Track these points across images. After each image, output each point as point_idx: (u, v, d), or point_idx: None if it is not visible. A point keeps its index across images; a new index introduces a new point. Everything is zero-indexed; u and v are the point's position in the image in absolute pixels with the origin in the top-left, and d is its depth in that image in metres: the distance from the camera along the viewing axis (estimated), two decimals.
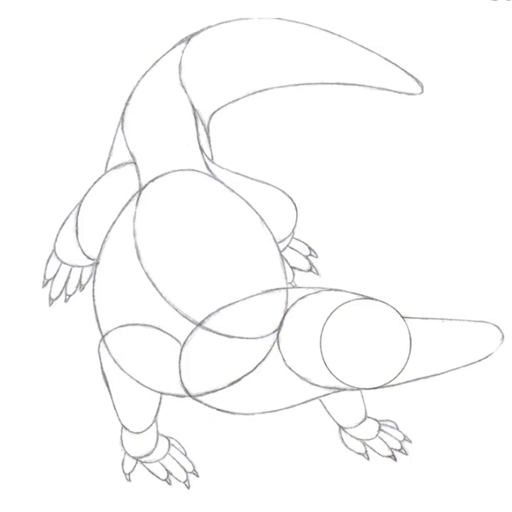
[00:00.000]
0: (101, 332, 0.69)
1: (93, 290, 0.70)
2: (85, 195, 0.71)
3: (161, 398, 0.69)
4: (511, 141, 0.73)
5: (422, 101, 0.73)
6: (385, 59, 0.73)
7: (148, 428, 0.69)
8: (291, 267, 0.73)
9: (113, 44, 0.74)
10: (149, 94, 0.72)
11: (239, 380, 0.66)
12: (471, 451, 0.71)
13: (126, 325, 0.68)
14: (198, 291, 0.67)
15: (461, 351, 0.63)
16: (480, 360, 0.63)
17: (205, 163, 0.70)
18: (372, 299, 0.64)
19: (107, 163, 0.72)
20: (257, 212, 0.69)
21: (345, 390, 0.64)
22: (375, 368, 0.62)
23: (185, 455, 0.70)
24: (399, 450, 0.71)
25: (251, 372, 0.66)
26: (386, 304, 0.64)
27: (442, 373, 0.63)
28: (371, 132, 0.73)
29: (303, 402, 0.67)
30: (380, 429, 0.71)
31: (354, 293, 0.66)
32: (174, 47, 0.73)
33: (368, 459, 0.71)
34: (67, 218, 0.72)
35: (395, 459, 0.71)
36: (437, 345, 0.63)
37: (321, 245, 0.72)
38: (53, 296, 0.71)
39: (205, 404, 0.68)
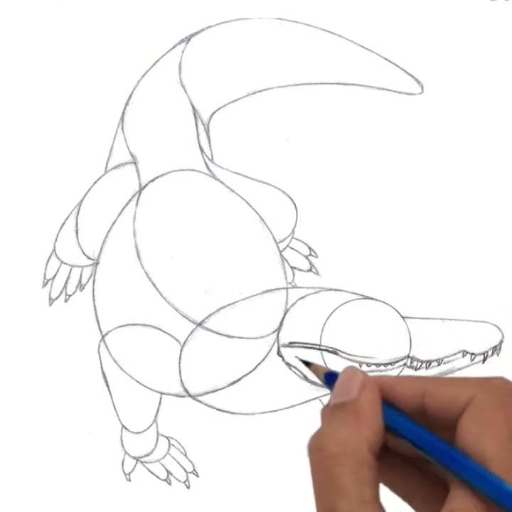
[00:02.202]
0: (101, 332, 0.69)
1: (93, 290, 0.70)
2: (85, 195, 0.71)
3: (161, 398, 0.69)
4: (511, 141, 0.73)
5: (422, 101, 0.73)
6: (385, 59, 0.73)
7: (148, 428, 0.69)
8: (291, 267, 0.73)
9: (113, 44, 0.74)
10: (149, 94, 0.72)
11: (239, 380, 0.66)
12: None
13: (126, 325, 0.68)
14: (198, 291, 0.67)
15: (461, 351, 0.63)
16: (480, 361, 0.63)
17: (205, 163, 0.70)
18: (372, 299, 0.64)
19: (107, 163, 0.72)
20: (257, 212, 0.69)
21: None
22: (375, 368, 0.62)
23: (185, 455, 0.70)
24: None
25: (251, 372, 0.66)
26: (386, 304, 0.64)
27: (442, 373, 0.63)
28: (371, 132, 0.73)
29: (303, 402, 0.67)
30: None
31: (354, 293, 0.66)
32: (174, 47, 0.73)
33: None
34: (67, 218, 0.72)
35: None
36: (437, 345, 0.63)
37: (321, 245, 0.72)
38: (53, 296, 0.71)
39: (205, 404, 0.68)
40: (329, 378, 0.37)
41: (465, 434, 0.32)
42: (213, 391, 0.67)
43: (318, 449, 0.33)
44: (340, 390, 0.35)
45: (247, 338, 0.65)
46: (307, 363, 0.40)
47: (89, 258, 0.71)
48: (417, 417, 0.34)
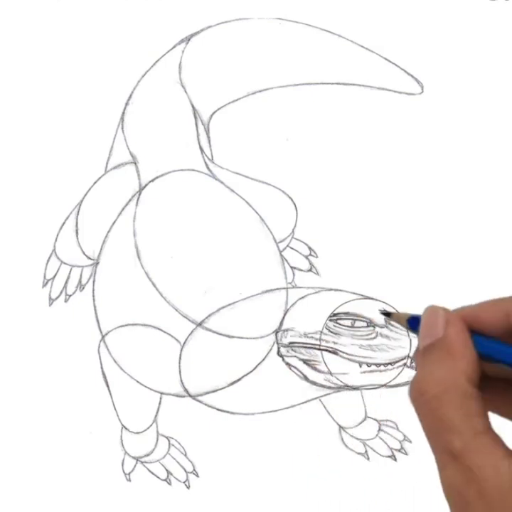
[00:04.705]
0: (101, 332, 0.69)
1: (93, 290, 0.70)
2: (85, 195, 0.71)
3: (161, 398, 0.69)
4: (511, 141, 0.74)
5: (422, 101, 0.73)
6: (385, 59, 0.73)
7: (148, 428, 0.69)
8: (291, 267, 0.73)
9: (113, 44, 0.74)
10: (149, 94, 0.72)
11: (239, 380, 0.66)
12: None
13: (126, 325, 0.68)
14: (198, 291, 0.67)
15: None
16: None
17: (205, 163, 0.70)
18: (372, 299, 0.64)
19: (107, 163, 0.72)
20: (257, 212, 0.69)
21: (345, 389, 0.64)
22: (375, 368, 0.62)
23: (185, 455, 0.70)
24: (399, 450, 0.71)
25: (251, 372, 0.66)
26: (386, 303, 0.64)
27: None
28: (371, 132, 0.73)
29: (303, 402, 0.67)
30: (380, 429, 0.71)
31: (354, 293, 0.66)
32: (174, 47, 0.73)
33: (368, 459, 0.71)
34: (67, 218, 0.72)
35: (395, 459, 0.71)
36: None
37: (321, 245, 0.72)
38: (53, 296, 0.71)
39: (205, 404, 0.68)
40: (413, 323, 0.37)
41: None
42: (213, 391, 0.67)
43: (419, 394, 0.33)
44: (426, 331, 0.34)
45: (247, 338, 0.65)
46: (387, 314, 0.39)
47: (89, 258, 0.71)
48: (508, 339, 0.34)
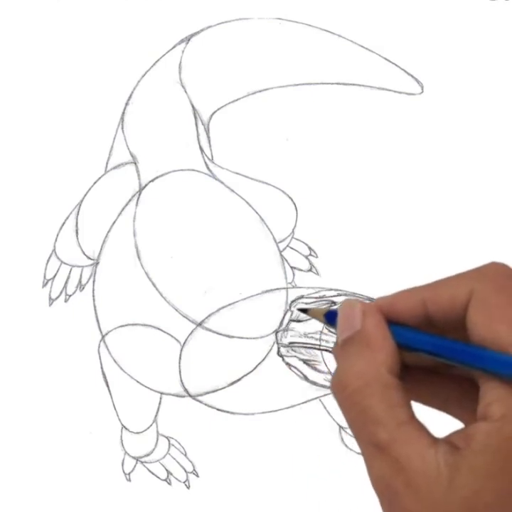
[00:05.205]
0: (101, 332, 0.69)
1: (93, 290, 0.70)
2: (85, 195, 0.71)
3: (161, 398, 0.69)
4: (511, 141, 0.74)
5: (422, 101, 0.73)
6: (385, 59, 0.73)
7: (148, 428, 0.69)
8: (291, 267, 0.73)
9: (113, 44, 0.74)
10: (149, 94, 0.72)
11: (239, 380, 0.66)
12: None
13: (126, 325, 0.68)
14: (198, 291, 0.67)
15: None
16: None
17: (205, 163, 0.71)
18: (372, 299, 0.64)
19: (107, 163, 0.72)
20: (257, 212, 0.69)
21: None
22: None
23: (185, 455, 0.70)
24: None
25: (251, 372, 0.66)
26: None
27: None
28: (371, 132, 0.73)
29: (303, 402, 0.67)
30: None
31: (354, 293, 0.66)
32: (174, 47, 0.73)
33: None
34: (67, 218, 0.72)
35: None
36: None
37: (321, 245, 0.72)
38: (53, 296, 0.71)
39: (205, 404, 0.68)
40: (330, 317, 0.36)
41: (475, 328, 0.32)
42: (213, 391, 0.67)
43: (341, 388, 0.33)
44: (343, 325, 0.34)
45: (247, 338, 0.65)
46: (305, 310, 0.39)
47: (89, 258, 0.71)
48: (425, 327, 0.34)
